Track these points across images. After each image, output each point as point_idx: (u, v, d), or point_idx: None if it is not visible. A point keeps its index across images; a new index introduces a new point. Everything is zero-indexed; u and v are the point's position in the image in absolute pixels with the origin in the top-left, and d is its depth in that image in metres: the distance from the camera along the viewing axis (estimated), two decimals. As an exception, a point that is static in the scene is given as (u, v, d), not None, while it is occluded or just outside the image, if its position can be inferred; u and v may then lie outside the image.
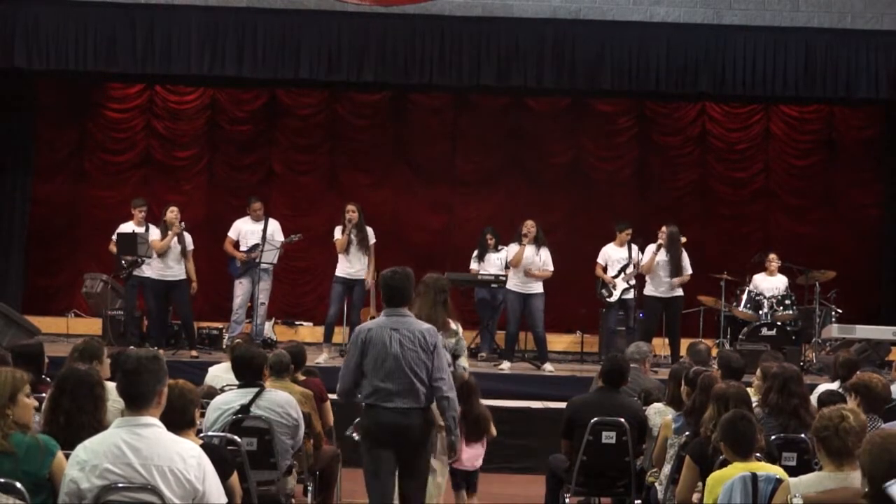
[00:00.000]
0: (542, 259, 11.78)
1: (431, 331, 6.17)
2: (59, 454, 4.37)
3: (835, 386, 7.31)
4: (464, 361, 7.18)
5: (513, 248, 11.86)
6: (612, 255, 12.13)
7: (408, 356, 6.02)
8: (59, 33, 12.57)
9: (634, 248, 12.05)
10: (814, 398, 6.80)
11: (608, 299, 12.05)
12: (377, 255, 11.88)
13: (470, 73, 12.76)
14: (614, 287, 11.98)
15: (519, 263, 11.74)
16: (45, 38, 12.57)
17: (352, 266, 11.63)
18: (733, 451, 5.02)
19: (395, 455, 6.10)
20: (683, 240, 12.01)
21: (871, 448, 3.93)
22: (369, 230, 11.76)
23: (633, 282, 11.97)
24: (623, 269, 11.97)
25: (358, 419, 6.53)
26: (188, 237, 11.83)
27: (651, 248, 11.94)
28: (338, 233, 11.72)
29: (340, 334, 11.99)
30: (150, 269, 11.72)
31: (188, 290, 11.84)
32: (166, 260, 11.66)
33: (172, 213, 11.74)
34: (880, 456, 3.89)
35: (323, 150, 15.03)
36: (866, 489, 3.95)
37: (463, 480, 7.63)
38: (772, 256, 12.70)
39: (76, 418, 4.71)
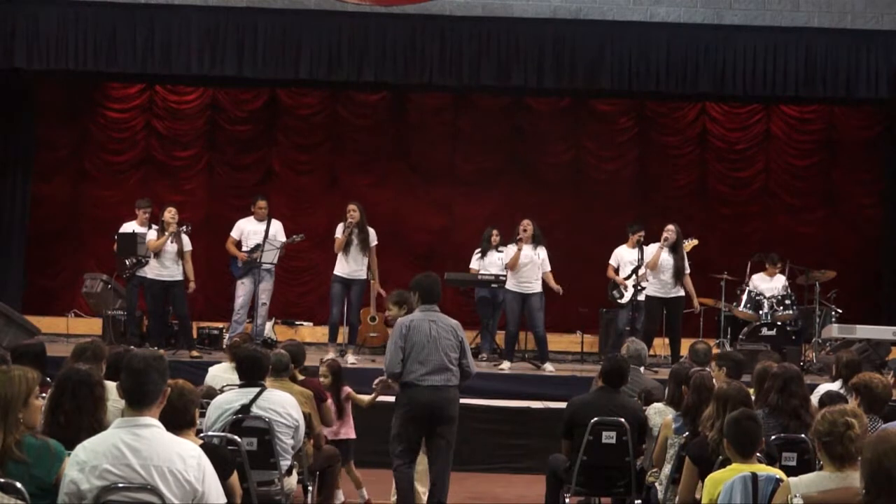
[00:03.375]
0: (540, 258, 11.77)
1: (459, 325, 7.47)
2: (68, 459, 4.35)
3: (836, 386, 7.31)
4: None
5: (511, 249, 11.85)
6: (625, 257, 12.09)
7: (442, 342, 7.27)
8: (59, 33, 12.56)
9: (646, 249, 12.00)
10: (814, 398, 6.80)
11: (619, 300, 12.03)
12: (377, 255, 11.88)
13: (470, 73, 12.75)
14: (625, 288, 11.96)
15: (514, 266, 11.73)
16: (45, 38, 12.56)
17: (349, 265, 11.65)
18: (737, 450, 5.01)
19: (425, 429, 7.27)
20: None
21: (871, 458, 3.92)
22: (371, 231, 11.76)
23: (644, 284, 11.91)
24: (635, 270, 11.93)
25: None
26: (186, 238, 11.81)
27: (654, 246, 11.92)
28: (339, 232, 11.74)
29: (342, 335, 12.00)
30: (149, 270, 11.72)
31: (185, 291, 11.83)
32: (162, 260, 11.65)
33: (169, 214, 11.73)
34: (879, 463, 3.88)
35: (323, 150, 15.03)
36: (864, 492, 3.95)
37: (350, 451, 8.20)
38: (778, 265, 12.66)
39: (76, 418, 4.70)
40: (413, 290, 7.53)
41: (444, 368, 7.25)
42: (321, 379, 8.07)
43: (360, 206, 11.77)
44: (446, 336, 7.29)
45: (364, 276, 11.72)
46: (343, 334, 11.96)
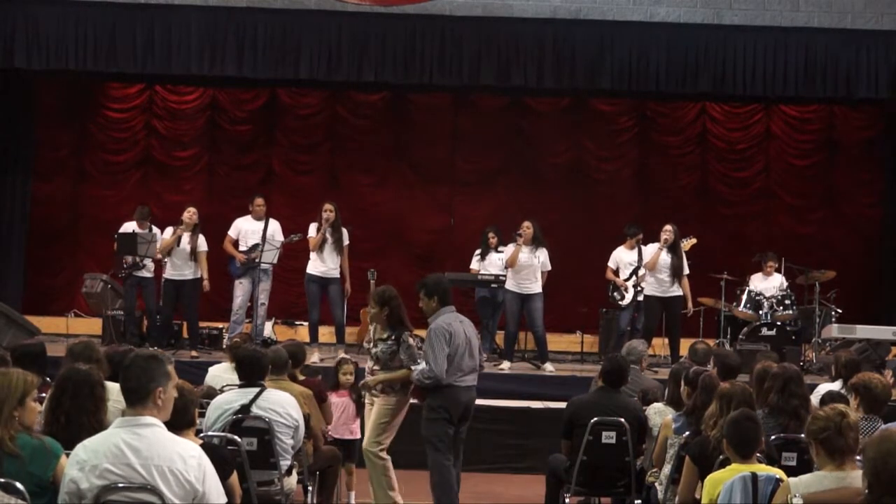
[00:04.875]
0: (539, 260, 11.77)
1: None
2: (64, 457, 4.35)
3: (836, 386, 7.31)
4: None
5: (511, 249, 11.85)
6: (624, 259, 12.11)
7: (472, 341, 7.47)
8: (59, 33, 12.57)
9: (645, 250, 12.01)
10: (814, 398, 6.80)
11: (620, 302, 12.04)
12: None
13: (470, 73, 12.75)
14: (626, 290, 11.97)
15: (514, 264, 11.74)
16: (45, 38, 12.57)
17: (324, 264, 11.67)
18: (736, 450, 5.01)
19: (454, 428, 7.38)
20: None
21: (874, 457, 3.92)
22: (345, 231, 11.75)
23: (643, 285, 11.91)
24: (634, 271, 11.95)
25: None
26: (201, 238, 11.84)
27: (654, 246, 11.93)
28: (312, 230, 11.72)
29: (329, 335, 12.00)
30: (165, 270, 11.72)
31: (197, 290, 11.84)
32: (173, 260, 11.68)
33: (188, 214, 11.77)
34: (884, 462, 3.88)
35: (323, 150, 15.02)
36: (866, 491, 3.95)
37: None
38: (770, 263, 12.68)
39: (77, 418, 4.70)
40: (431, 294, 7.43)
41: (475, 368, 7.49)
42: (346, 377, 8.11)
43: (335, 206, 11.76)
44: (474, 336, 7.54)
45: (338, 275, 11.71)
46: (330, 334, 11.98)
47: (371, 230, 14.17)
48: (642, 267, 11.89)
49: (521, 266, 11.72)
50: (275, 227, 12.16)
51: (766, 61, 12.66)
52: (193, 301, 11.89)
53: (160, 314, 12.14)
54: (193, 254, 11.73)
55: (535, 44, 12.65)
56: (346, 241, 11.74)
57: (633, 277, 11.93)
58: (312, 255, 11.70)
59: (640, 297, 11.92)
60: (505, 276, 12.00)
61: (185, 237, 11.71)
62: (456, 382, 7.31)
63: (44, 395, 5.21)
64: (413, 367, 7.35)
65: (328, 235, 11.60)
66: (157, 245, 11.81)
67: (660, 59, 12.65)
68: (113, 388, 5.02)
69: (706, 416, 5.84)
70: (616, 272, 12.13)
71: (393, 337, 7.46)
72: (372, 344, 7.71)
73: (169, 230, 11.89)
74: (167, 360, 4.21)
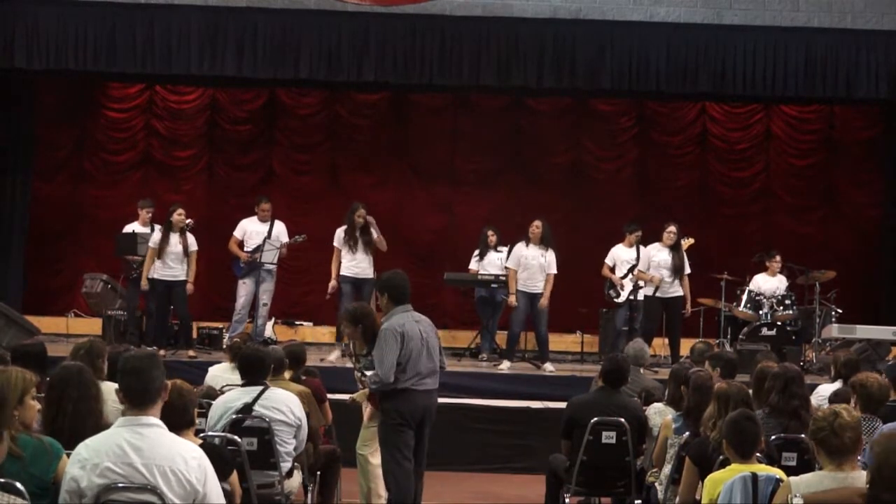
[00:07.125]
0: (546, 260, 11.76)
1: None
2: (65, 458, 4.35)
3: (836, 386, 7.32)
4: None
5: (517, 248, 11.83)
6: (621, 256, 12.12)
7: (431, 342, 7.03)
8: (59, 33, 12.57)
9: (643, 249, 12.02)
10: (814, 398, 6.81)
11: (616, 300, 12.04)
12: (375, 254, 11.89)
13: (470, 73, 12.75)
14: (622, 288, 11.98)
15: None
16: (45, 38, 12.57)
17: (359, 265, 11.68)
18: (735, 450, 5.01)
19: (415, 433, 6.99)
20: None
21: (879, 452, 3.94)
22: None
23: (642, 283, 11.92)
24: (631, 269, 11.95)
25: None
26: (191, 238, 11.81)
27: (654, 246, 11.92)
28: (341, 235, 11.72)
29: (329, 335, 11.99)
30: (154, 270, 11.71)
31: (186, 290, 11.82)
32: (166, 260, 11.65)
33: (179, 216, 11.72)
34: (887, 458, 3.90)
35: (323, 150, 15.03)
36: (868, 485, 3.97)
37: None
38: (777, 259, 12.69)
39: (77, 417, 4.70)
40: (382, 290, 7.13)
41: (434, 371, 7.07)
42: None
43: (364, 207, 11.85)
44: (433, 337, 7.09)
45: (371, 275, 11.70)
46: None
47: (371, 230, 14.18)
48: (639, 267, 11.90)
49: (528, 265, 11.72)
50: (280, 228, 12.21)
51: (766, 61, 12.66)
52: (185, 301, 11.85)
53: (156, 314, 12.12)
54: (185, 253, 11.70)
55: (535, 44, 12.65)
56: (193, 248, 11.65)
57: (630, 275, 11.94)
58: (347, 257, 11.71)
59: (640, 297, 11.91)
60: (504, 276, 12.01)
61: (175, 237, 11.65)
62: (414, 387, 6.91)
63: (42, 394, 5.21)
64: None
65: (358, 236, 11.64)
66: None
67: (660, 59, 12.66)
68: (112, 388, 5.03)
69: (705, 418, 5.84)
70: (613, 269, 12.14)
71: (372, 353, 7.41)
72: (354, 359, 7.70)
73: (157, 233, 11.83)
74: (160, 359, 4.28)
